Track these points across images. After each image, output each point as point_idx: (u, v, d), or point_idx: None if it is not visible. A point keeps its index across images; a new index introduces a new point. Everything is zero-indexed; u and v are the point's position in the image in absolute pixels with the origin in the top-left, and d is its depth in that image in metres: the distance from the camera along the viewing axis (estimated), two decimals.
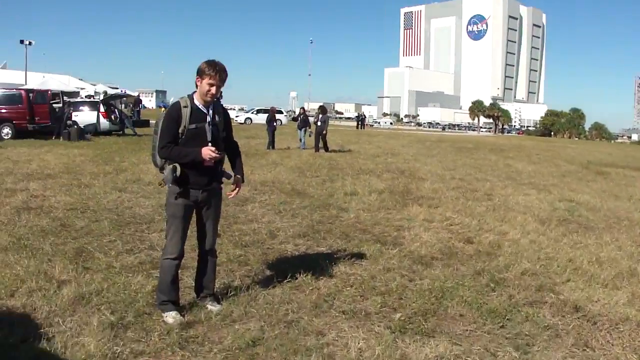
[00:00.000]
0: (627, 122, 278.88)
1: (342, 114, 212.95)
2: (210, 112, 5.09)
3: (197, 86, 5.01)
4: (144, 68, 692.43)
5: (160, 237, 7.96)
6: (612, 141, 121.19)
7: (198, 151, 4.88)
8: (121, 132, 31.78)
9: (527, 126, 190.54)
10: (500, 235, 9.49)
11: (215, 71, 4.90)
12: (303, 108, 28.54)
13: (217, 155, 4.91)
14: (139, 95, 71.92)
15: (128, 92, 59.82)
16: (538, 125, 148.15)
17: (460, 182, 16.71)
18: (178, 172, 4.89)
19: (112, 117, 31.38)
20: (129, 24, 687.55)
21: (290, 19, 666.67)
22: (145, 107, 63.96)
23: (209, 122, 5.05)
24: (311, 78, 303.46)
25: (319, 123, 25.24)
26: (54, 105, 28.33)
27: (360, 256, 7.63)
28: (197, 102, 5.01)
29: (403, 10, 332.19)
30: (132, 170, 15.27)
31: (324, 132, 25.03)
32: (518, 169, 22.89)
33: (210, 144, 4.98)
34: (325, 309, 5.61)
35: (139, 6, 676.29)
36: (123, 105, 36.78)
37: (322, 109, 26.11)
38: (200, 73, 4.92)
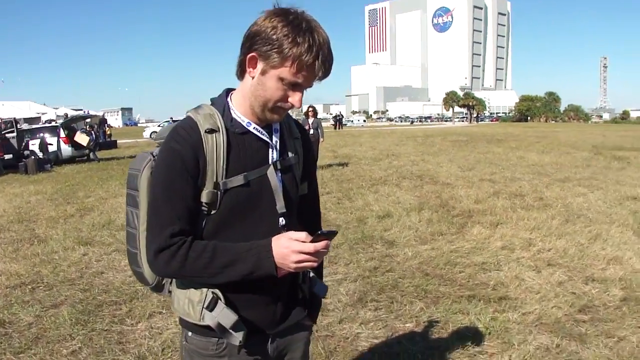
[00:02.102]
0: (593, 101, 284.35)
1: None
2: (275, 137, 2.13)
3: (243, 78, 2.02)
4: (107, 87, 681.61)
5: (151, 332, 5.12)
6: (589, 122, 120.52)
7: (262, 249, 1.92)
8: (86, 157, 28.08)
9: (497, 113, 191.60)
10: (621, 264, 7.04)
11: (315, 54, 1.87)
12: None
13: (319, 253, 1.86)
14: (103, 115, 68.59)
15: (91, 112, 56.35)
16: (513, 112, 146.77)
17: (493, 184, 14.19)
18: (221, 309, 1.99)
19: (88, 139, 27.52)
20: (87, 44, 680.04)
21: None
22: (111, 127, 60.40)
23: (274, 161, 2.10)
24: None
25: (311, 131, 18.35)
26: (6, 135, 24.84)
27: (472, 333, 4.93)
28: (241, 116, 2.05)
29: (367, 8, 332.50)
30: (99, 208, 12.14)
31: (322, 140, 19.24)
32: (536, 162, 20.42)
33: (283, 221, 2.07)
34: None
35: (95, 25, 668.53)
36: (90, 127, 33.63)
37: (314, 111, 19.26)
38: (265, 48, 1.87)
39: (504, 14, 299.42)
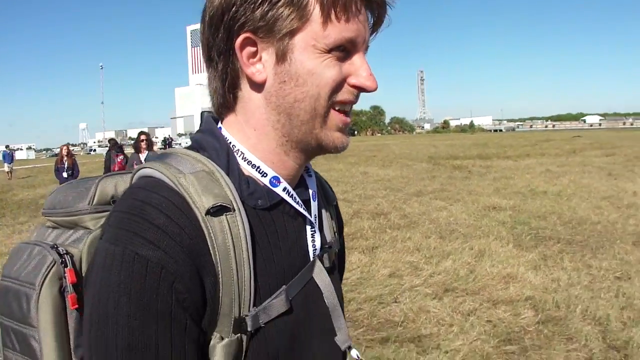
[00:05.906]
0: (414, 112, 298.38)
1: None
2: (314, 205, 1.08)
3: (236, 102, 0.99)
4: None
5: None
6: (414, 132, 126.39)
7: None
8: None
9: None
10: (518, 281, 6.88)
11: None
12: (114, 139, 17.68)
13: None
14: None
15: None
16: None
17: (350, 204, 13.69)
18: None
19: None
20: None
21: (76, 45, 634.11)
22: None
23: (319, 254, 1.06)
24: (104, 106, 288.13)
25: (135, 164, 13.62)
26: None
27: None
28: (262, 164, 0.97)
29: (189, 28, 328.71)
30: None
31: None
32: (382, 176, 20.66)
33: None
34: None
35: None
36: None
37: (149, 141, 15.84)
38: (261, 10, 0.88)
39: None
